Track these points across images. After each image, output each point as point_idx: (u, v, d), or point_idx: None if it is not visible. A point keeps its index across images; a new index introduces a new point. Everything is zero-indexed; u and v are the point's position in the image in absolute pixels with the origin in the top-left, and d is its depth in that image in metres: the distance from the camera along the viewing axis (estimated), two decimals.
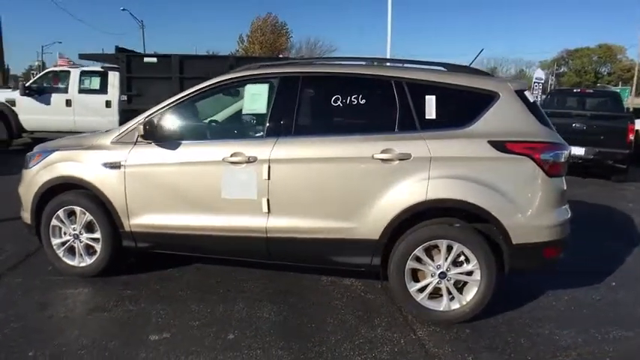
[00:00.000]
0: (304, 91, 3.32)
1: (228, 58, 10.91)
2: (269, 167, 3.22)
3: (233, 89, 3.82)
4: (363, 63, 3.60)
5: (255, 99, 3.43)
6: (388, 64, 3.56)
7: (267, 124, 3.35)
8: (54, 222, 3.73)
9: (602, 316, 3.41)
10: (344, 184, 3.18)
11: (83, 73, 10.62)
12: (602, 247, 5.01)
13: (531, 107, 3.18)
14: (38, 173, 3.76)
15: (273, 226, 3.29)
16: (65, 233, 3.74)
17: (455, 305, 3.15)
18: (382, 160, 3.10)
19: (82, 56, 10.59)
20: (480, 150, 3.05)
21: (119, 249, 3.69)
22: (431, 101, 3.16)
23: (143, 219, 3.53)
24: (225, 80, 3.49)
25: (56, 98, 10.39)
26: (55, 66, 12.17)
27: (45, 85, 10.59)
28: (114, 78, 10.39)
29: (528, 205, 3.04)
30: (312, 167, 3.21)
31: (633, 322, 3.33)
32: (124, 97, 10.09)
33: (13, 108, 10.33)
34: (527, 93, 3.22)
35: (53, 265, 3.81)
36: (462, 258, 3.12)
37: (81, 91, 10.49)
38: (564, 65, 70.88)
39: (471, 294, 3.13)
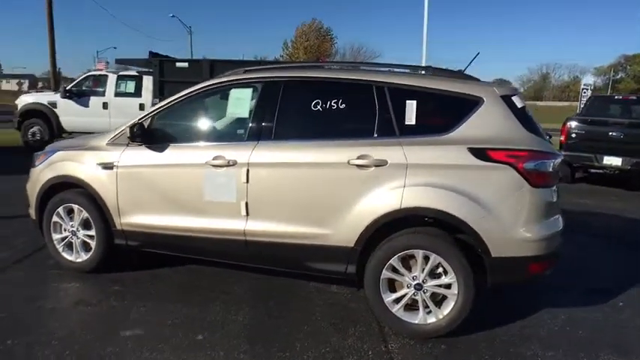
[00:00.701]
0: (285, 95, 3.30)
1: (254, 63, 11.10)
2: (248, 171, 3.24)
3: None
4: (350, 67, 3.54)
5: (239, 103, 3.46)
6: (370, 68, 3.47)
7: (249, 128, 3.38)
8: (55, 218, 3.92)
9: (598, 338, 3.16)
10: (319, 189, 3.14)
11: (120, 77, 11.11)
12: (622, 264, 4.67)
13: (518, 113, 3.01)
14: (42, 172, 3.96)
15: (251, 229, 3.30)
16: (64, 229, 3.92)
17: (431, 319, 3.02)
18: (358, 165, 3.03)
19: (119, 61, 11.10)
20: (459, 157, 2.92)
21: (112, 246, 3.82)
22: (411, 106, 3.07)
23: (133, 218, 3.64)
24: (211, 85, 3.54)
25: (94, 101, 10.94)
26: (94, 70, 12.78)
27: (84, 88, 11.16)
28: (148, 82, 10.80)
29: (510, 217, 2.88)
30: (288, 171, 3.20)
31: (631, 346, 3.07)
32: (157, 101, 10.48)
33: (54, 110, 10.97)
34: (515, 98, 3.06)
35: (54, 260, 4.00)
36: (440, 270, 3.00)
37: (117, 94, 10.98)
38: (622, 71, 66.96)
39: (448, 308, 2.99)
